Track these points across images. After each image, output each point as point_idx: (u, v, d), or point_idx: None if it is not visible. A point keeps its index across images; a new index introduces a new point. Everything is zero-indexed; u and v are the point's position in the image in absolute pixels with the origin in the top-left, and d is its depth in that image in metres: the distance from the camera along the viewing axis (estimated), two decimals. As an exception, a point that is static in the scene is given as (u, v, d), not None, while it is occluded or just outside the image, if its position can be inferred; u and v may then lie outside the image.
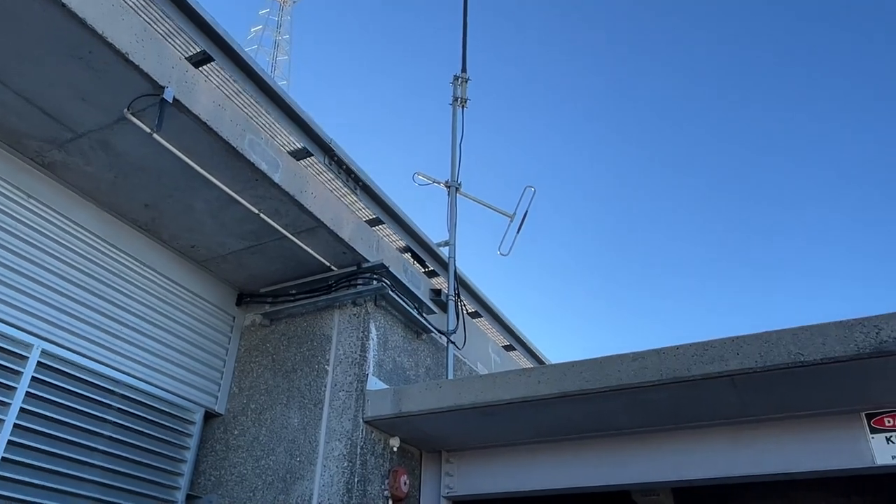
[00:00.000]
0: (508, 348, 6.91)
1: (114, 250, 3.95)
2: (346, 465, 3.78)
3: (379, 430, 4.06)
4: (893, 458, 3.32)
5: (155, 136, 3.32)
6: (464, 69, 6.46)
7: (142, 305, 4.07)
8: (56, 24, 2.77)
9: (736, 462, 3.65)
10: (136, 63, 2.96)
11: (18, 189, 3.50)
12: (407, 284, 4.59)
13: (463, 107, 6.25)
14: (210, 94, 3.36)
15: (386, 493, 3.95)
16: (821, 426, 3.52)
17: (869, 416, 3.44)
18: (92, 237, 3.84)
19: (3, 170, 3.44)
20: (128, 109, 3.19)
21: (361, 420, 3.95)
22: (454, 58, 6.61)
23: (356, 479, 3.76)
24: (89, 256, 3.80)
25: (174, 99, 3.12)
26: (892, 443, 3.35)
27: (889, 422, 3.39)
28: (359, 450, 3.86)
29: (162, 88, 3.08)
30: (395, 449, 4.15)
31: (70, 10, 2.71)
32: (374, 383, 4.12)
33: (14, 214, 3.45)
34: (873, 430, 3.41)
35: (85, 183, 3.73)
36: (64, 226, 3.69)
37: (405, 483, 4.03)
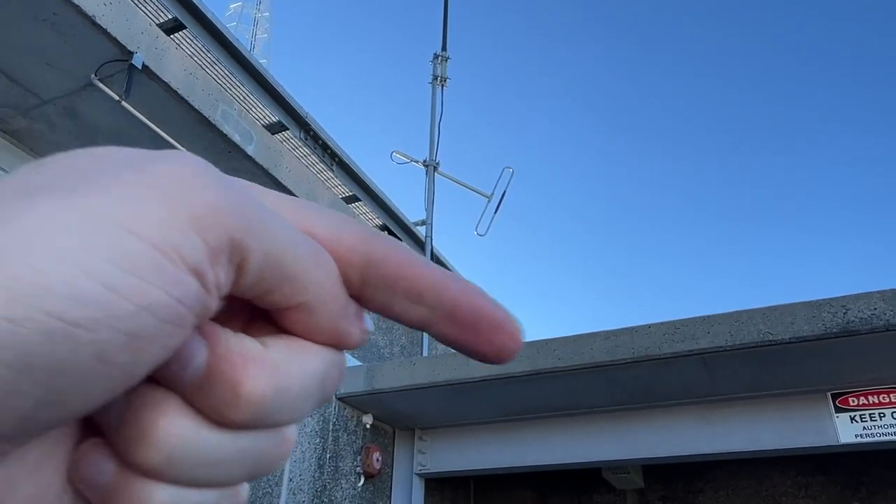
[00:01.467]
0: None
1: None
2: (317, 441, 3.77)
3: (352, 406, 4.05)
4: (857, 436, 3.39)
5: (124, 103, 3.22)
6: (444, 48, 6.41)
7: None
8: (19, -18, 2.67)
9: (705, 440, 3.70)
10: (104, 27, 2.87)
11: (-19, 156, 3.40)
12: (382, 262, 4.56)
13: (442, 86, 6.20)
14: (182, 62, 3.28)
15: (358, 469, 3.95)
16: (788, 405, 3.58)
17: (834, 396, 3.51)
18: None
19: (-36, 136, 3.33)
20: (95, 75, 3.09)
21: (334, 396, 3.93)
22: (435, 36, 6.55)
23: (328, 455, 3.74)
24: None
25: (143, 65, 3.04)
26: (856, 422, 3.42)
27: (853, 401, 3.46)
28: (331, 426, 3.84)
29: (131, 54, 3.00)
30: (367, 426, 4.14)
31: (33, -31, 2.61)
32: (347, 360, 4.09)
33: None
34: (838, 410, 3.48)
35: (50, 150, 3.55)
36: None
37: (377, 460, 4.03)
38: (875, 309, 2.91)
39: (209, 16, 3.70)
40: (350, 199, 4.97)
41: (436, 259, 5.41)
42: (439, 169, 5.75)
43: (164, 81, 3.14)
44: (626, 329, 3.36)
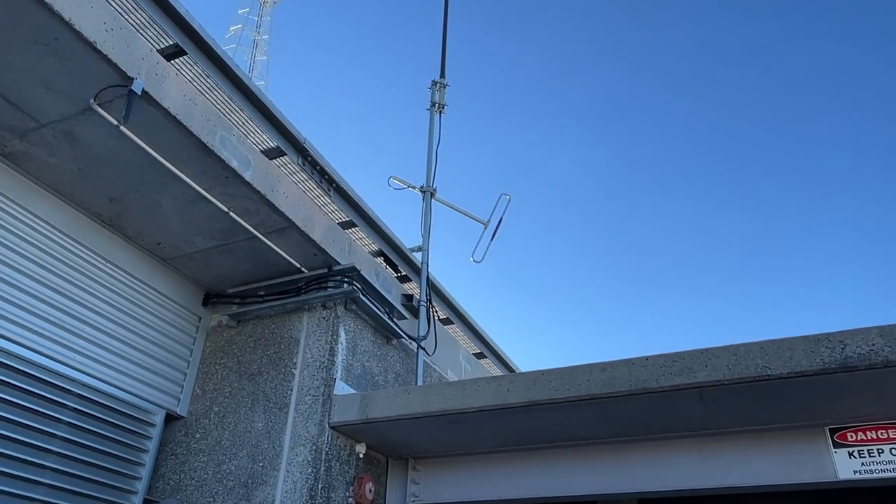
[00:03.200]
0: (479, 356, 6.88)
1: (75, 245, 3.83)
2: (310, 470, 3.71)
3: (345, 435, 3.99)
4: (856, 472, 3.36)
5: (122, 128, 3.22)
6: (442, 74, 6.45)
7: (102, 302, 3.95)
8: (20, 7, 2.68)
9: (702, 474, 3.66)
10: (105, 53, 2.87)
11: (-24, 178, 3.38)
12: (378, 288, 4.54)
13: (440, 112, 6.23)
14: (181, 87, 3.28)
15: (350, 500, 3.88)
16: (785, 440, 3.54)
17: (832, 431, 3.48)
18: (52, 230, 3.71)
19: (-40, 158, 3.32)
20: (94, 100, 3.09)
21: (327, 425, 3.87)
22: (434, 62, 6.60)
23: (320, 486, 3.68)
24: (48, 250, 3.68)
25: (143, 91, 3.04)
26: (855, 458, 3.39)
27: (852, 437, 3.43)
28: (324, 455, 3.78)
29: (130, 80, 3.00)
30: (361, 455, 4.08)
31: (35, -5, 2.62)
32: (341, 388, 4.05)
33: (-30, 204, 3.33)
34: (836, 445, 3.44)
35: (47, 174, 3.61)
36: (24, 218, 3.57)
37: (370, 490, 3.96)
38: (873, 345, 2.89)
39: (209, 41, 3.72)
40: (346, 225, 4.96)
41: (432, 285, 5.39)
42: (436, 195, 5.75)
43: (163, 107, 3.14)
44: (622, 361, 3.33)
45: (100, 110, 3.13)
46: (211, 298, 4.66)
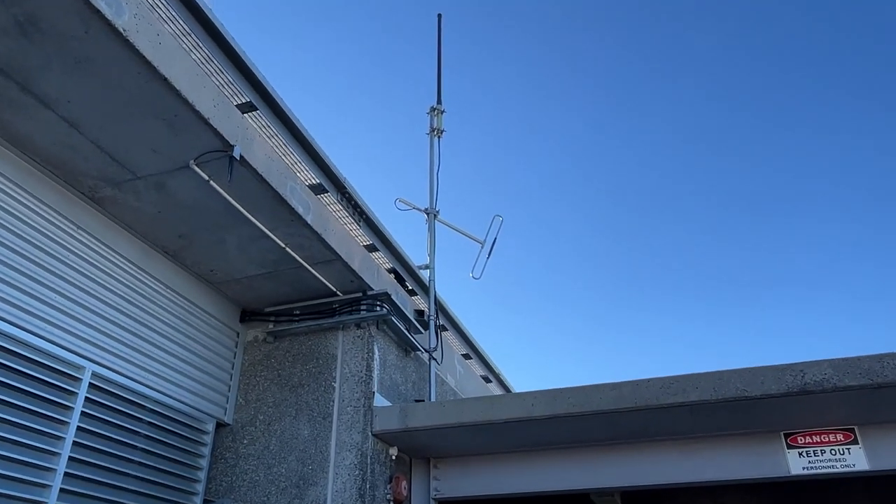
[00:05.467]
0: (466, 357, 7.56)
1: (144, 274, 4.25)
2: (357, 472, 4.30)
3: (383, 441, 4.60)
4: (804, 468, 4.23)
5: (211, 182, 3.68)
6: (439, 101, 7.00)
7: (164, 324, 4.38)
8: (152, 92, 3.11)
9: (681, 471, 4.46)
10: (215, 126, 3.34)
11: (70, 221, 3.76)
12: (402, 308, 5.13)
13: (439, 137, 6.79)
14: (263, 148, 3.76)
15: (388, 496, 4.50)
16: (749, 443, 4.38)
17: (786, 435, 4.34)
18: (129, 265, 4.13)
19: (57, 204, 3.69)
20: (194, 161, 3.54)
21: (370, 433, 4.47)
22: (433, 87, 7.12)
23: (367, 486, 4.29)
24: (126, 282, 4.09)
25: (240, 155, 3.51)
26: (803, 456, 4.26)
27: (801, 440, 4.30)
28: (368, 459, 4.38)
29: (231, 146, 3.47)
30: (393, 457, 4.70)
31: (170, 84, 3.06)
32: (379, 400, 4.64)
33: (66, 245, 3.71)
34: (789, 447, 4.31)
35: (128, 216, 4.01)
36: (107, 255, 3.97)
37: (405, 487, 4.60)
38: (825, 374, 3.73)
39: (275, 96, 4.17)
40: (370, 249, 5.51)
41: (438, 302, 6.00)
42: (439, 216, 6.34)
43: (252, 167, 3.62)
44: (629, 382, 4.07)
45: (196, 169, 3.58)
46: (248, 315, 5.14)
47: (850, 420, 4.14)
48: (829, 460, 4.23)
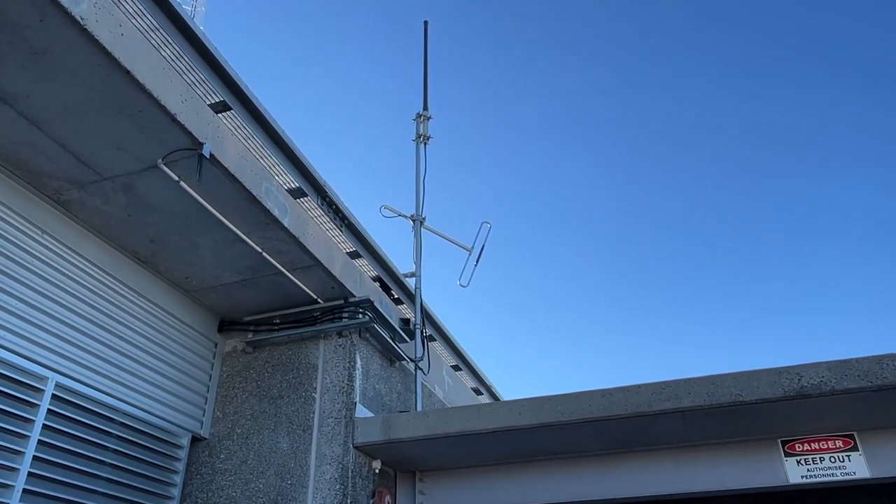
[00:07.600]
0: (456, 368, 7.39)
1: (114, 281, 4.08)
2: (338, 487, 4.11)
3: (365, 453, 4.41)
4: (802, 477, 4.07)
5: (182, 183, 3.53)
6: (425, 107, 6.89)
7: (136, 334, 4.21)
8: (114, 86, 2.97)
9: (677, 481, 4.29)
10: (182, 122, 3.20)
11: (34, 225, 3.60)
12: (386, 316, 4.96)
13: (425, 144, 6.67)
14: (236, 147, 3.62)
15: (371, 512, 4.31)
16: (746, 451, 4.22)
17: (784, 443, 4.18)
18: (98, 271, 3.96)
19: (20, 206, 3.53)
20: (162, 160, 3.39)
21: (352, 446, 4.29)
22: (420, 93, 7.02)
23: (348, 500, 4.10)
24: (95, 289, 3.93)
25: (210, 154, 3.37)
26: (802, 464, 4.10)
27: (799, 447, 4.14)
28: (350, 473, 4.19)
29: (201, 144, 3.32)
30: (376, 470, 4.51)
31: (132, 76, 2.93)
32: (361, 411, 4.46)
33: (30, 250, 3.55)
34: (787, 454, 4.15)
35: (96, 219, 3.86)
36: (74, 261, 3.81)
37: (389, 502, 4.40)
38: (822, 377, 3.58)
39: (250, 96, 4.05)
40: (353, 255, 5.36)
41: (425, 311, 5.84)
42: (425, 223, 6.20)
43: (223, 166, 3.48)
44: (620, 388, 3.91)
45: (165, 169, 3.44)
46: (226, 325, 4.96)
47: (849, 425, 3.99)
48: (829, 468, 4.07)
